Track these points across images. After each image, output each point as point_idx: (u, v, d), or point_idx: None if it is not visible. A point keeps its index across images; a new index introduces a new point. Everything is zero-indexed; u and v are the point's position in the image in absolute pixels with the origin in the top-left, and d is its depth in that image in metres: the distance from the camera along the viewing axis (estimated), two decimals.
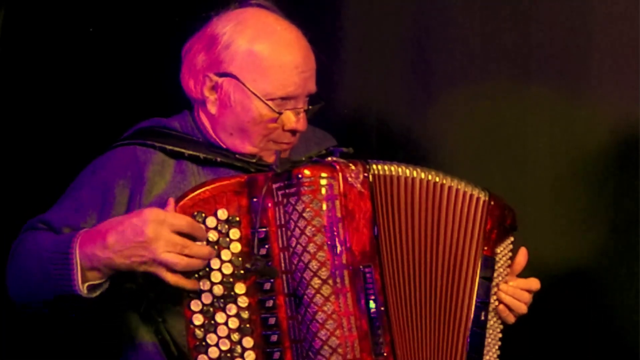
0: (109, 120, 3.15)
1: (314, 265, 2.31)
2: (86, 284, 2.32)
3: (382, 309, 2.35)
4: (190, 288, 2.34)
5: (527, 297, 2.58)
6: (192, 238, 2.32)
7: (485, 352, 2.52)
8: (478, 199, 2.51)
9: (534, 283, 2.59)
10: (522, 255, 2.59)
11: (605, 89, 3.27)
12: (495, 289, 2.53)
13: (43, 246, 2.38)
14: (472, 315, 2.48)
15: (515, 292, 2.56)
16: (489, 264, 2.51)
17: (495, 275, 2.53)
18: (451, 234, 2.48)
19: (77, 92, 3.33)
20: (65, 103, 3.33)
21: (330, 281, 2.31)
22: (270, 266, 2.35)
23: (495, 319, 2.55)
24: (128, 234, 2.28)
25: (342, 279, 2.32)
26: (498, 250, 2.54)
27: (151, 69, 3.27)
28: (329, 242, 2.32)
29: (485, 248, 2.51)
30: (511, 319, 2.58)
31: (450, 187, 2.48)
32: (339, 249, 2.32)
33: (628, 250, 3.24)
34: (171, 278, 2.30)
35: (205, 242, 2.34)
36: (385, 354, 2.34)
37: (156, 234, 2.27)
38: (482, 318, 2.50)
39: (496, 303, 2.54)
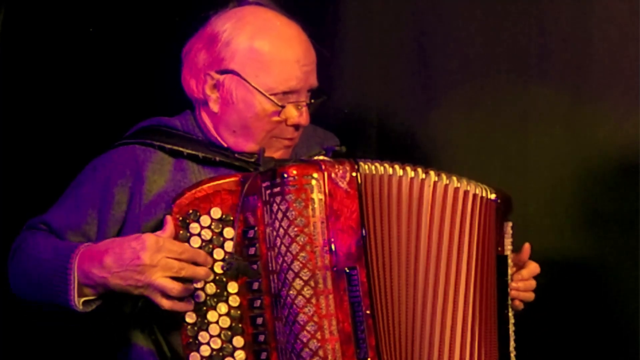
0: (109, 120, 3.16)
1: (296, 266, 2.30)
2: (82, 299, 2.35)
3: (368, 311, 2.32)
4: (185, 310, 2.35)
5: (534, 284, 2.62)
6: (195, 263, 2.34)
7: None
8: (489, 200, 2.49)
9: (535, 268, 2.62)
10: (526, 252, 2.63)
11: (605, 89, 3.26)
12: (511, 285, 2.56)
13: (43, 254, 2.41)
14: (497, 316, 2.50)
15: (525, 285, 2.59)
16: (504, 262, 2.53)
17: (510, 272, 2.55)
18: (459, 236, 2.46)
19: (77, 92, 3.33)
20: (66, 103, 3.32)
21: (311, 282, 2.30)
22: (246, 265, 2.35)
23: (511, 312, 2.57)
24: (125, 257, 2.30)
25: (325, 281, 2.30)
26: (506, 243, 2.55)
27: (151, 69, 3.27)
28: (311, 243, 2.31)
29: (499, 248, 2.52)
30: (521, 306, 2.61)
31: (456, 188, 2.45)
32: (321, 249, 2.31)
33: (628, 250, 3.23)
34: (166, 303, 2.32)
35: (207, 265, 2.35)
36: (369, 358, 2.31)
37: (152, 261, 2.29)
38: (505, 317, 2.53)
39: (512, 294, 2.56)
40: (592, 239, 3.31)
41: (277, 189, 2.33)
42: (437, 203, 2.43)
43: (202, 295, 2.36)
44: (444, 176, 2.44)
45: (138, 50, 3.35)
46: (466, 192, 2.45)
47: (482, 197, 2.48)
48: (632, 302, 3.22)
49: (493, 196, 2.50)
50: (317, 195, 2.32)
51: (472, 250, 2.45)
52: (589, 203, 3.30)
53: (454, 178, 2.45)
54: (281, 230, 2.32)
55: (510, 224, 2.58)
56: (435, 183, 2.43)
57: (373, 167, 2.39)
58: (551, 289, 3.04)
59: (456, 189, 2.44)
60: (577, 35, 3.28)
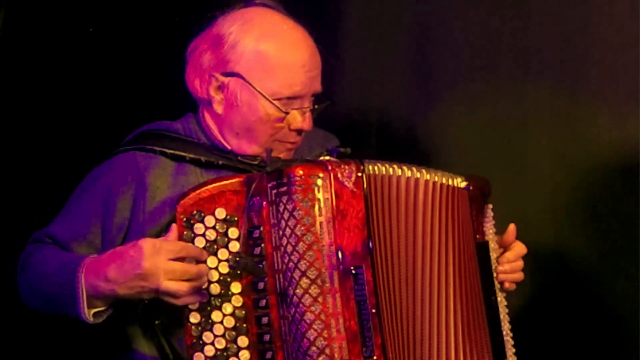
0: (109, 121, 3.16)
1: (302, 265, 2.31)
2: (93, 311, 2.36)
3: (374, 310, 2.32)
4: (198, 302, 2.36)
5: (521, 264, 2.62)
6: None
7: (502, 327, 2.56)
8: (459, 189, 2.51)
9: (522, 249, 2.63)
10: (512, 233, 2.62)
11: (605, 88, 3.27)
12: (495, 272, 2.57)
13: (50, 268, 2.41)
14: (484, 304, 2.52)
15: (512, 267, 2.60)
16: (485, 249, 2.55)
17: (493, 257, 2.56)
18: (451, 232, 2.48)
19: (77, 93, 3.33)
20: (66, 104, 3.32)
21: (318, 281, 2.31)
22: (254, 265, 2.36)
23: (501, 296, 2.58)
24: (126, 267, 2.30)
25: (332, 279, 2.31)
26: (485, 229, 2.57)
27: (151, 70, 3.27)
28: (318, 242, 2.31)
29: (477, 236, 2.54)
30: (513, 287, 2.61)
31: (426, 181, 2.47)
32: (327, 249, 2.32)
33: (628, 250, 3.23)
34: (178, 302, 2.33)
35: (204, 256, 2.36)
36: (375, 357, 2.32)
37: (153, 265, 2.29)
38: (494, 304, 2.55)
39: (499, 277, 2.58)
40: (591, 239, 3.31)
41: (283, 189, 2.33)
42: (419, 199, 2.45)
43: (206, 295, 2.36)
44: (424, 171, 2.47)
45: (138, 51, 3.35)
46: (434, 184, 2.48)
47: (449, 187, 2.50)
48: (632, 302, 3.23)
49: (463, 184, 2.53)
50: (323, 195, 2.33)
51: (448, 241, 2.47)
52: (589, 203, 3.30)
53: (424, 170, 2.47)
54: (287, 229, 2.32)
55: (490, 206, 2.60)
56: (426, 182, 2.46)
57: (376, 168, 2.41)
58: (551, 289, 3.05)
59: (426, 182, 2.46)
60: (577, 36, 3.29)
